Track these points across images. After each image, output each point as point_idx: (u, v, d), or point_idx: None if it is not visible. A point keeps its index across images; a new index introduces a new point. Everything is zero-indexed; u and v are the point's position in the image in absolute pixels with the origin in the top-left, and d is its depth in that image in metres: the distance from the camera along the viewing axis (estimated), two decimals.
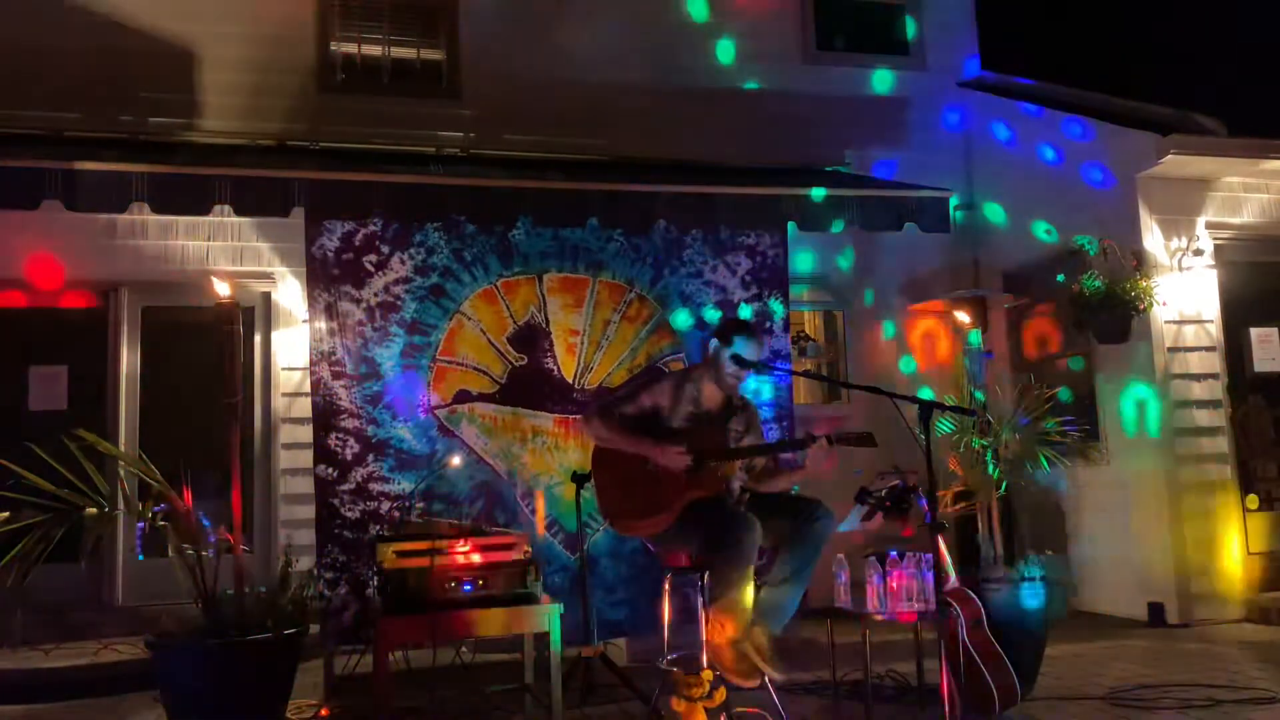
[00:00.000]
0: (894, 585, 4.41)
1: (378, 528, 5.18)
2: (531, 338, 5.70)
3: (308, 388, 5.73)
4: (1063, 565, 7.06)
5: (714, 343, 4.33)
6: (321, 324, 5.40)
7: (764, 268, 6.13)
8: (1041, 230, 7.41)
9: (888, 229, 6.28)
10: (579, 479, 5.02)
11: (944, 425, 5.11)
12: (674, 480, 4.13)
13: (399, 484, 5.34)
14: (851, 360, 7.84)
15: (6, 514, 4.20)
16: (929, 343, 7.91)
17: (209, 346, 4.69)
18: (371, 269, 5.49)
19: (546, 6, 7.56)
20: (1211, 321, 6.72)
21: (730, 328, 4.36)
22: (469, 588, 4.32)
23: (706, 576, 4.04)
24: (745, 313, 6.02)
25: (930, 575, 4.17)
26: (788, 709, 4.18)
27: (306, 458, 5.77)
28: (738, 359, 4.19)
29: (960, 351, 6.77)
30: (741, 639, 3.88)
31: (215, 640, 4.14)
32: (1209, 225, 6.77)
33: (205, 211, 5.41)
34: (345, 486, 5.29)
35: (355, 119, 7.07)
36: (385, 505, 5.29)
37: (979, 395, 5.16)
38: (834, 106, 7.94)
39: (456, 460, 5.41)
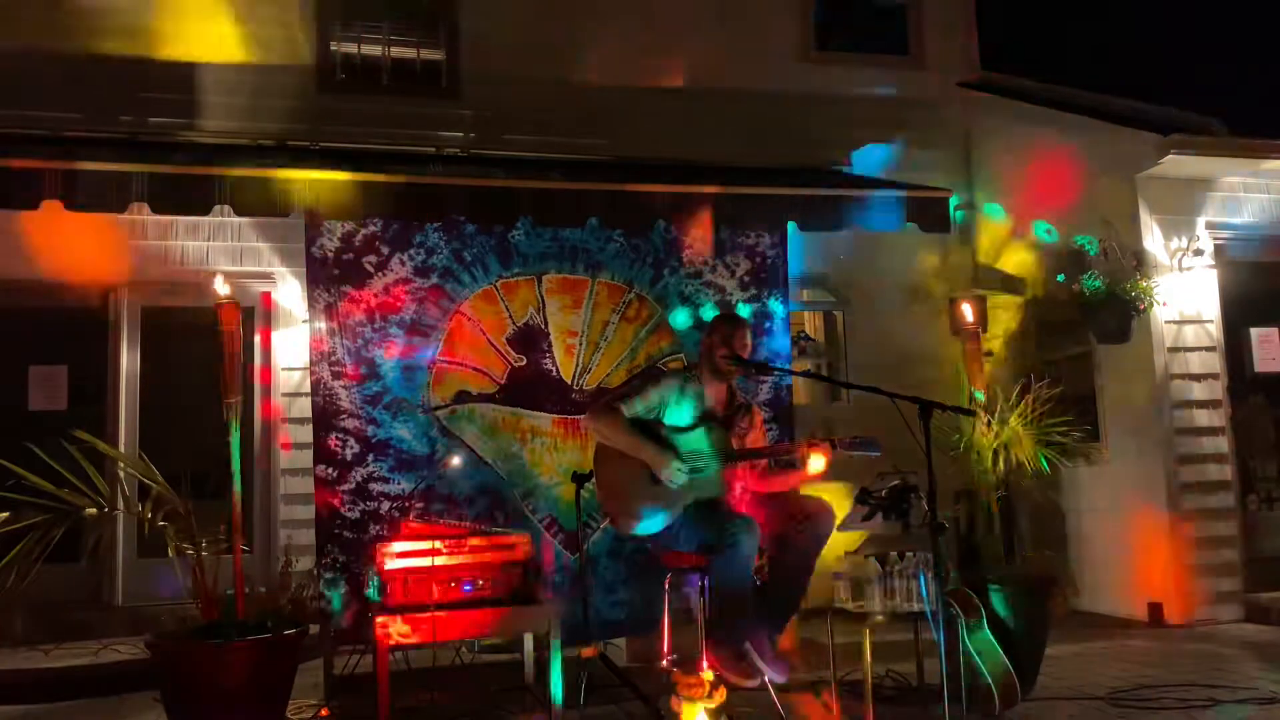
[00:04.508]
0: (894, 585, 4.41)
1: (378, 528, 5.19)
2: (530, 338, 5.70)
3: (308, 388, 5.73)
4: (1062, 565, 7.05)
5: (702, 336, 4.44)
6: (321, 324, 5.40)
7: (764, 268, 6.13)
8: (1041, 230, 7.41)
9: (888, 229, 6.27)
10: (579, 479, 5.00)
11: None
12: None
13: (399, 484, 5.34)
14: (851, 360, 7.84)
15: (6, 514, 4.20)
16: (929, 343, 7.89)
17: (209, 346, 4.69)
18: (371, 269, 5.49)
19: (546, 6, 7.56)
20: (1211, 321, 6.71)
21: (717, 319, 4.52)
22: (469, 588, 4.32)
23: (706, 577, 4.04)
24: (744, 312, 6.01)
25: (930, 575, 4.17)
26: (788, 709, 4.18)
27: (306, 458, 5.77)
28: (734, 356, 4.19)
29: (960, 352, 6.75)
30: (741, 639, 3.89)
31: (215, 640, 4.14)
32: (1209, 225, 6.76)
33: (205, 211, 5.42)
34: (345, 486, 5.29)
35: (355, 119, 7.08)
36: (385, 505, 5.29)
37: (978, 395, 5.15)
38: (834, 106, 7.93)
39: (456, 460, 5.41)
